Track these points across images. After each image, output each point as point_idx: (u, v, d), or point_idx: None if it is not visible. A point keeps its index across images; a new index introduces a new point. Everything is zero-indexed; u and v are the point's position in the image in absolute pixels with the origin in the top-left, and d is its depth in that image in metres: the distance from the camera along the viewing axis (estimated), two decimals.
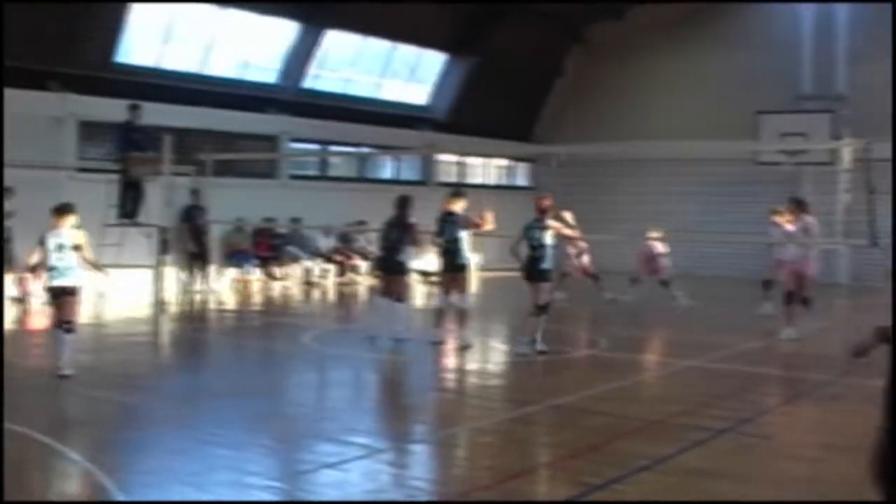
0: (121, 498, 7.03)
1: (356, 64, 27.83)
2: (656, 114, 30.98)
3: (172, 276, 21.64)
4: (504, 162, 34.03)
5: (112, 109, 20.16)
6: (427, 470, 8.56)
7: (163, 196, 19.53)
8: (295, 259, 25.28)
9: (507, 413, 10.54)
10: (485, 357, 14.10)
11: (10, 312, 17.23)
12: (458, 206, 14.52)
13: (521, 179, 34.42)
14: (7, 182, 19.11)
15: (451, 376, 13.33)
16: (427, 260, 27.58)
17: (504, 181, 34.01)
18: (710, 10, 30.67)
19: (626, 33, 32.12)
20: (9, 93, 19.71)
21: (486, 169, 33.24)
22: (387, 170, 30.22)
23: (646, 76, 31.65)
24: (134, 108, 19.74)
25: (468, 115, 30.19)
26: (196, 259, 22.70)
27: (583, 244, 20.88)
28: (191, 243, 22.54)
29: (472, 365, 14.09)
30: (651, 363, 13.42)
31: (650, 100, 31.43)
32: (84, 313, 14.49)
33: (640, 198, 26.34)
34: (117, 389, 11.18)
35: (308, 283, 24.90)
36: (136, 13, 22.20)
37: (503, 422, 10.06)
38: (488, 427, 9.77)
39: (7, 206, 19.04)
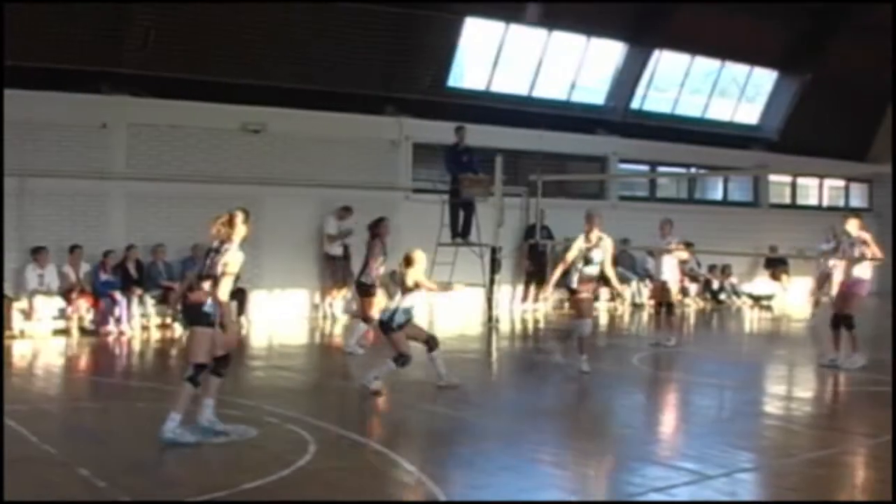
0: None
1: (684, 83, 27.46)
2: None
3: (505, 294, 22.13)
4: (839, 182, 32.63)
5: (443, 132, 20.84)
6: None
7: (494, 216, 20.01)
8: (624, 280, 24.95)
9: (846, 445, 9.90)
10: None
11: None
12: None
13: (857, 200, 32.87)
14: (347, 202, 20.12)
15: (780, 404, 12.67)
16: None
17: (839, 202, 32.60)
18: None
19: None
20: (349, 118, 20.84)
21: (819, 190, 32.01)
22: (717, 191, 29.65)
23: None
24: (459, 129, 20.27)
25: (800, 133, 29.09)
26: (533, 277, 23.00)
27: None
28: (528, 262, 22.94)
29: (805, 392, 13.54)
30: None
31: None
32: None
33: None
34: (448, 404, 11.40)
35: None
36: (466, 38, 22.88)
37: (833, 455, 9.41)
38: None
39: (347, 224, 19.93)
